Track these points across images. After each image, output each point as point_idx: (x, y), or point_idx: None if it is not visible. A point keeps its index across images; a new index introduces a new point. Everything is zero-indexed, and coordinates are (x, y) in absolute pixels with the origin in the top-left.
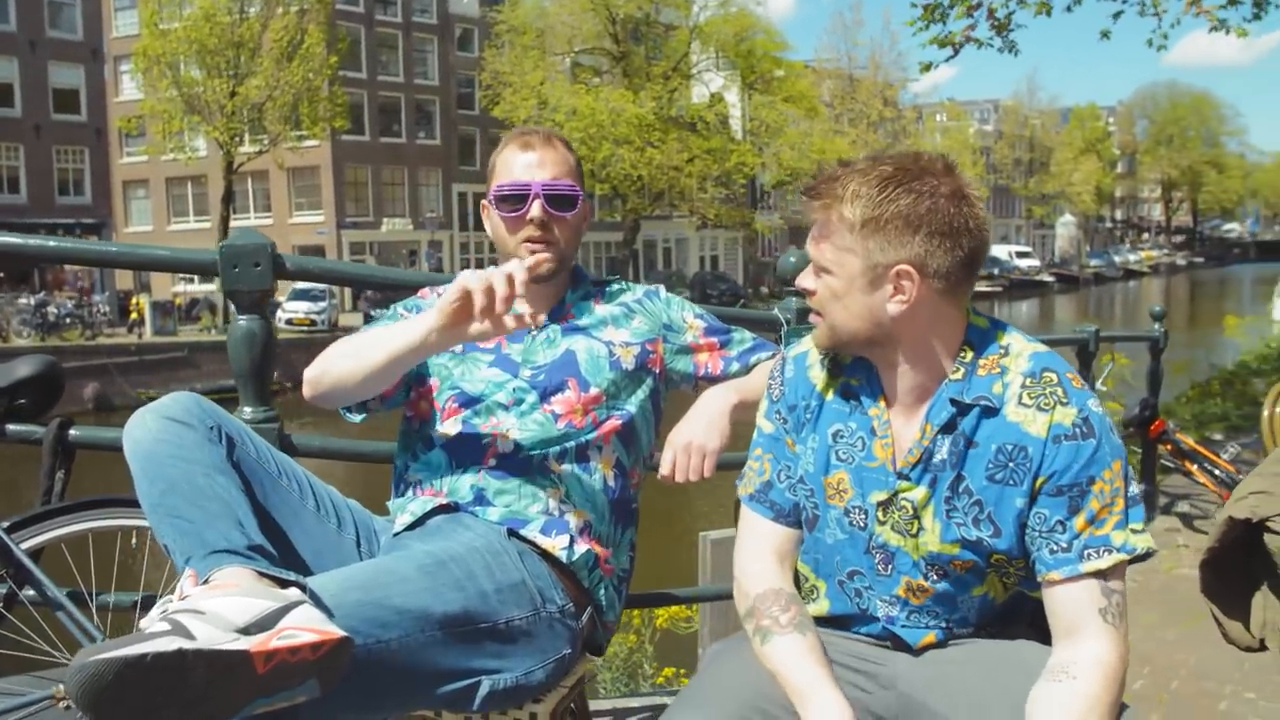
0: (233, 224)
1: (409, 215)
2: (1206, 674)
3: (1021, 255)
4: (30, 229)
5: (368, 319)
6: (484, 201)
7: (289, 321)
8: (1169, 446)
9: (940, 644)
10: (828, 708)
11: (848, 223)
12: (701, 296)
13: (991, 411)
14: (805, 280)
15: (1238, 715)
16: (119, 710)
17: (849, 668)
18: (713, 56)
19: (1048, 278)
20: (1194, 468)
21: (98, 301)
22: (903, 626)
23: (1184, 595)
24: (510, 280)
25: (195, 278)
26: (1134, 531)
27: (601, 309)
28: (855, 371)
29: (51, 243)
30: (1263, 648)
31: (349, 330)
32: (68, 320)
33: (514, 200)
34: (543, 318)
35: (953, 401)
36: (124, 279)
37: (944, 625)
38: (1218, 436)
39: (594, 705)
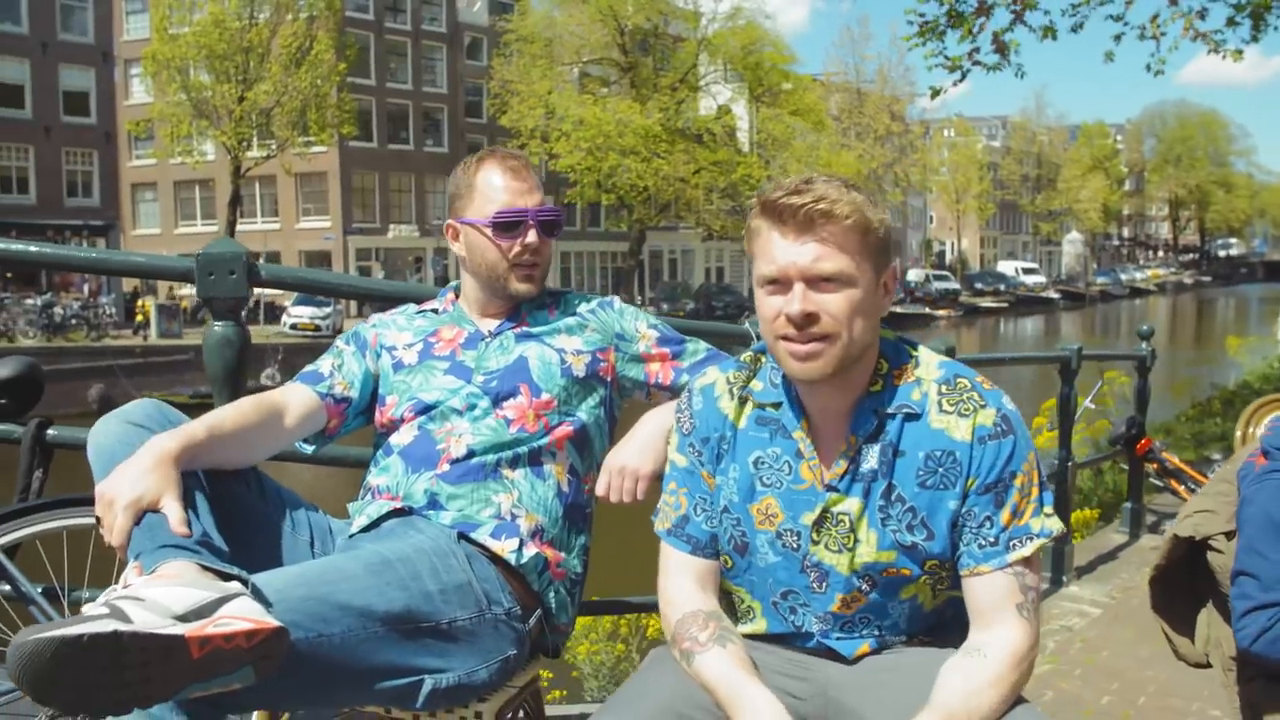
0: (239, 228)
1: (415, 222)
2: (1174, 691)
3: (1027, 272)
4: (38, 230)
5: None
6: (454, 223)
7: (294, 326)
8: (1155, 465)
9: (875, 652)
10: (755, 704)
11: (860, 227)
12: (706, 309)
13: (913, 417)
14: (807, 304)
15: None
16: (56, 688)
17: (781, 673)
18: (720, 68)
19: (1054, 294)
20: (1180, 486)
21: (104, 303)
22: (837, 639)
23: None
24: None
25: None
26: (1047, 516)
27: (556, 318)
28: (770, 396)
29: (33, 248)
30: (1210, 664)
31: None
32: (74, 321)
33: (510, 227)
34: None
35: (875, 412)
36: (130, 280)
37: (877, 634)
38: (1216, 456)
39: (575, 710)
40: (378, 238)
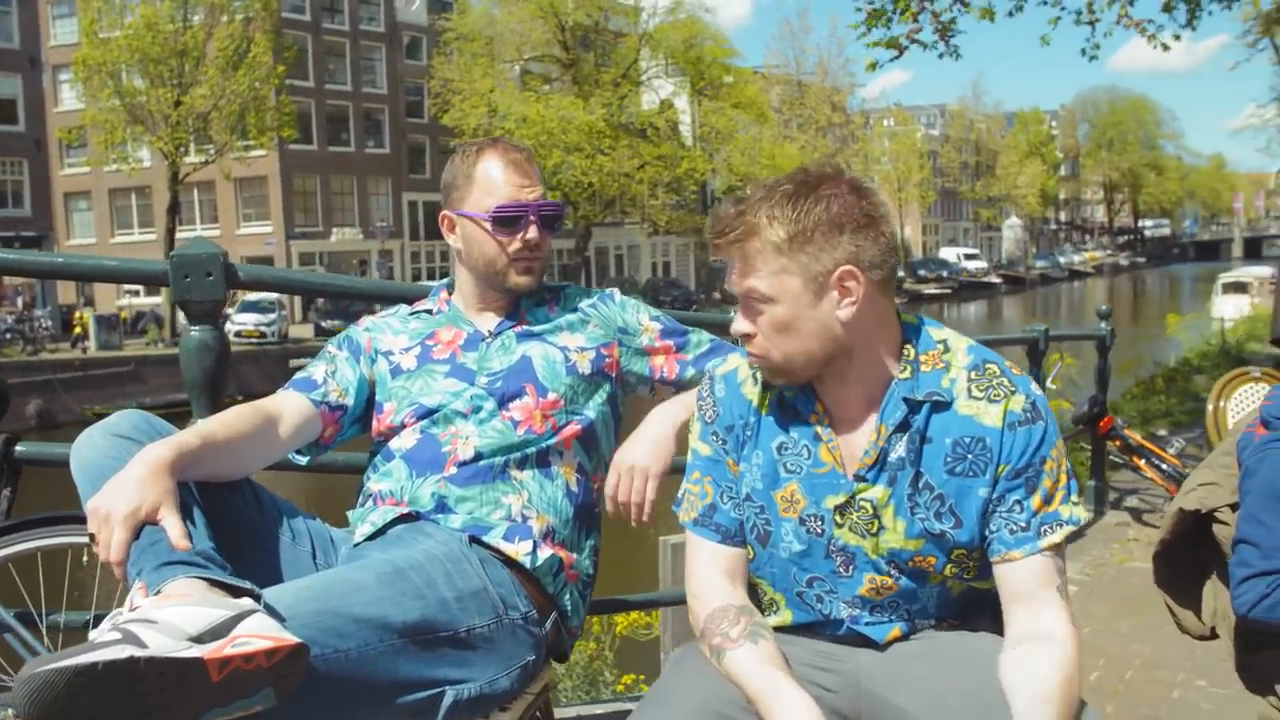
0: (179, 236)
1: (359, 225)
2: (1159, 664)
3: (969, 257)
4: None
5: (318, 330)
6: (449, 214)
7: (238, 334)
8: (1117, 442)
9: (904, 637)
10: (789, 705)
11: (773, 245)
12: (654, 303)
13: (942, 406)
14: (740, 325)
15: (1189, 702)
16: None
17: (813, 666)
18: (662, 63)
19: (995, 279)
20: (1141, 462)
21: (39, 316)
22: (867, 624)
23: (1136, 587)
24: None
25: (140, 290)
26: (1074, 504)
27: (556, 315)
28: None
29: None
30: (1214, 636)
31: (299, 342)
32: (9, 335)
33: (510, 222)
34: None
35: (905, 400)
36: (66, 293)
37: (906, 618)
38: (1162, 432)
39: (557, 714)
40: (321, 241)
